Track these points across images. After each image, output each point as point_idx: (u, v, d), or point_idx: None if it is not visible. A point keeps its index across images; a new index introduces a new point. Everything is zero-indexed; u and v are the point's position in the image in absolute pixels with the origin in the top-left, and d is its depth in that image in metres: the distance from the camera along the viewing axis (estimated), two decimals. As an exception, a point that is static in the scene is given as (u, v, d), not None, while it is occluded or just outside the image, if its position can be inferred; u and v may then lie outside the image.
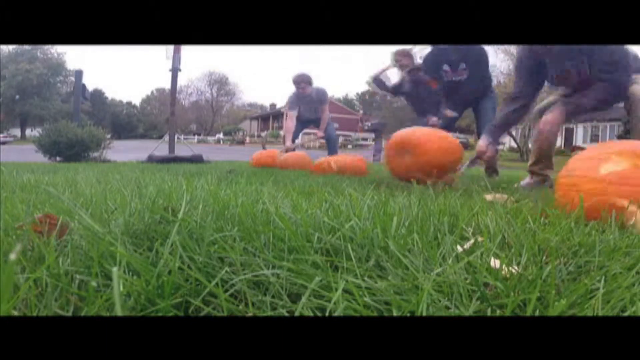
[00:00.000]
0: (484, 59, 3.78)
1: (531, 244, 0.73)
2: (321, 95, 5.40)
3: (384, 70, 4.44)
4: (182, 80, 52.93)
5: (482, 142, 2.76)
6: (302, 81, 5.24)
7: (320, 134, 5.52)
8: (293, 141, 5.32)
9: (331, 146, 5.66)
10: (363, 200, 1.10)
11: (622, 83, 2.50)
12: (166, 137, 7.29)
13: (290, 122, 5.35)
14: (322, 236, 0.71)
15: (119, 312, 0.39)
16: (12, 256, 0.35)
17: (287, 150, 5.10)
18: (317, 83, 5.44)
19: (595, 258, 0.68)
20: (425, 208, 1.07)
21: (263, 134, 40.25)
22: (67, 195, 1.21)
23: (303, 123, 5.52)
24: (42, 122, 26.81)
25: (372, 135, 11.67)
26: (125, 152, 10.41)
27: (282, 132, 5.80)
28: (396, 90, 4.53)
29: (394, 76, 4.48)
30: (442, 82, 3.86)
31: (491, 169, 3.80)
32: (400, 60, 4.32)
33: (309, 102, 5.35)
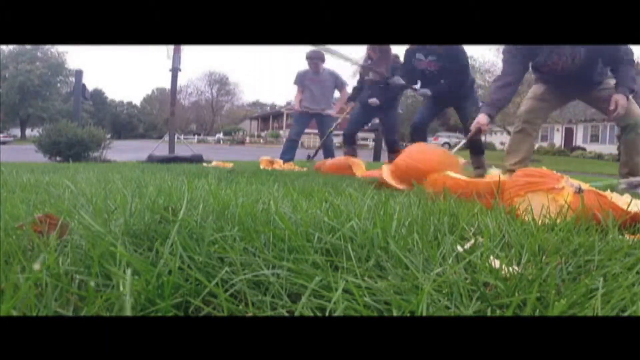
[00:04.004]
0: (461, 61, 3.83)
1: (531, 244, 0.73)
2: (334, 79, 5.16)
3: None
4: (182, 80, 52.94)
5: (482, 117, 2.87)
6: (315, 57, 5.00)
7: (344, 107, 5.24)
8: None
9: (326, 150, 5.29)
10: (363, 200, 1.10)
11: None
12: (166, 137, 7.29)
13: (298, 95, 5.18)
14: (322, 236, 0.71)
15: (128, 312, 0.39)
16: (37, 266, 0.35)
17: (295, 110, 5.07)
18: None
19: (595, 258, 0.68)
20: (425, 208, 1.07)
21: (263, 134, 40.26)
22: (67, 195, 1.21)
23: (307, 116, 5.20)
24: (42, 122, 26.81)
25: (372, 135, 11.66)
26: (125, 152, 10.41)
27: (282, 133, 5.49)
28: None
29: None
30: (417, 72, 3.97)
31: (476, 149, 3.91)
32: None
33: (319, 82, 5.11)
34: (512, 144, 3.06)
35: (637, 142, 2.87)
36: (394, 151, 4.53)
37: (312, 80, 5.14)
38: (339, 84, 5.25)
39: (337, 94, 5.44)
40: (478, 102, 4.01)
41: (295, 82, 5.27)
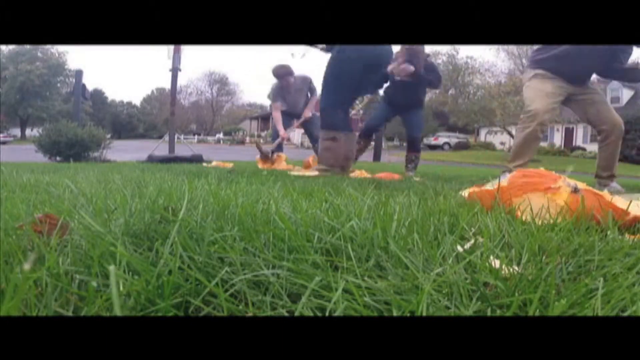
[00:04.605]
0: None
1: (531, 244, 0.73)
2: (307, 85, 5.20)
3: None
4: (182, 80, 52.88)
5: None
6: (284, 74, 5.00)
7: (298, 124, 5.23)
8: (285, 130, 5.15)
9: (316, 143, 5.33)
10: (363, 200, 1.10)
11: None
12: (166, 137, 7.30)
13: (276, 113, 5.17)
14: (322, 236, 0.71)
15: (117, 311, 0.39)
16: (26, 266, 0.35)
17: (282, 139, 5.05)
18: (316, 82, 5.33)
19: (595, 258, 0.68)
20: (425, 208, 1.07)
21: (263, 134, 40.23)
22: (67, 195, 1.21)
23: (288, 116, 5.26)
24: (42, 122, 26.84)
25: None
26: (125, 152, 10.41)
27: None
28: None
29: None
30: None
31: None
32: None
33: (294, 92, 5.16)
34: (522, 144, 2.86)
35: (616, 146, 2.93)
36: (417, 150, 4.53)
37: (287, 91, 5.19)
38: (311, 89, 5.26)
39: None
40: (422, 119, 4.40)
41: (270, 98, 5.33)
